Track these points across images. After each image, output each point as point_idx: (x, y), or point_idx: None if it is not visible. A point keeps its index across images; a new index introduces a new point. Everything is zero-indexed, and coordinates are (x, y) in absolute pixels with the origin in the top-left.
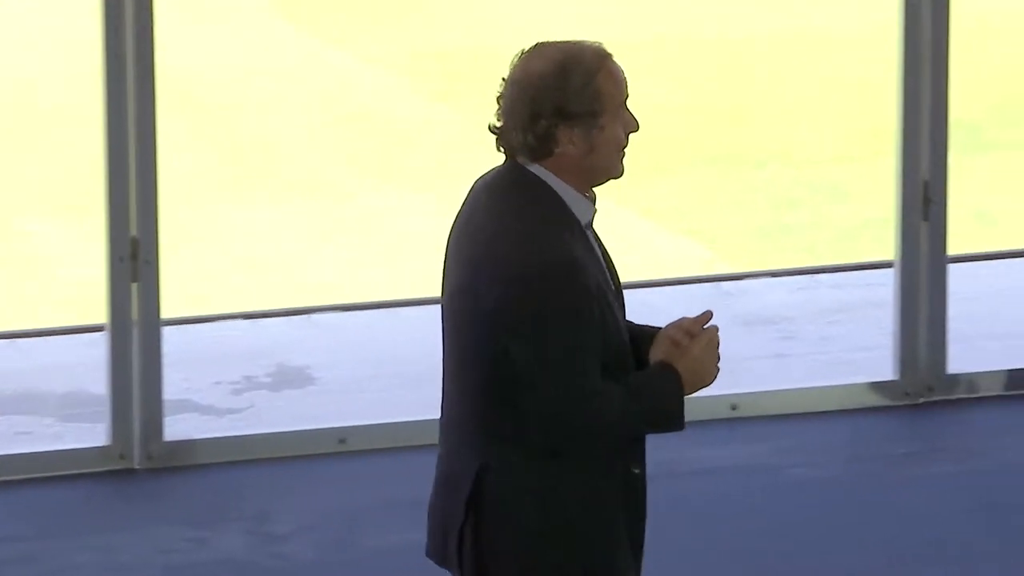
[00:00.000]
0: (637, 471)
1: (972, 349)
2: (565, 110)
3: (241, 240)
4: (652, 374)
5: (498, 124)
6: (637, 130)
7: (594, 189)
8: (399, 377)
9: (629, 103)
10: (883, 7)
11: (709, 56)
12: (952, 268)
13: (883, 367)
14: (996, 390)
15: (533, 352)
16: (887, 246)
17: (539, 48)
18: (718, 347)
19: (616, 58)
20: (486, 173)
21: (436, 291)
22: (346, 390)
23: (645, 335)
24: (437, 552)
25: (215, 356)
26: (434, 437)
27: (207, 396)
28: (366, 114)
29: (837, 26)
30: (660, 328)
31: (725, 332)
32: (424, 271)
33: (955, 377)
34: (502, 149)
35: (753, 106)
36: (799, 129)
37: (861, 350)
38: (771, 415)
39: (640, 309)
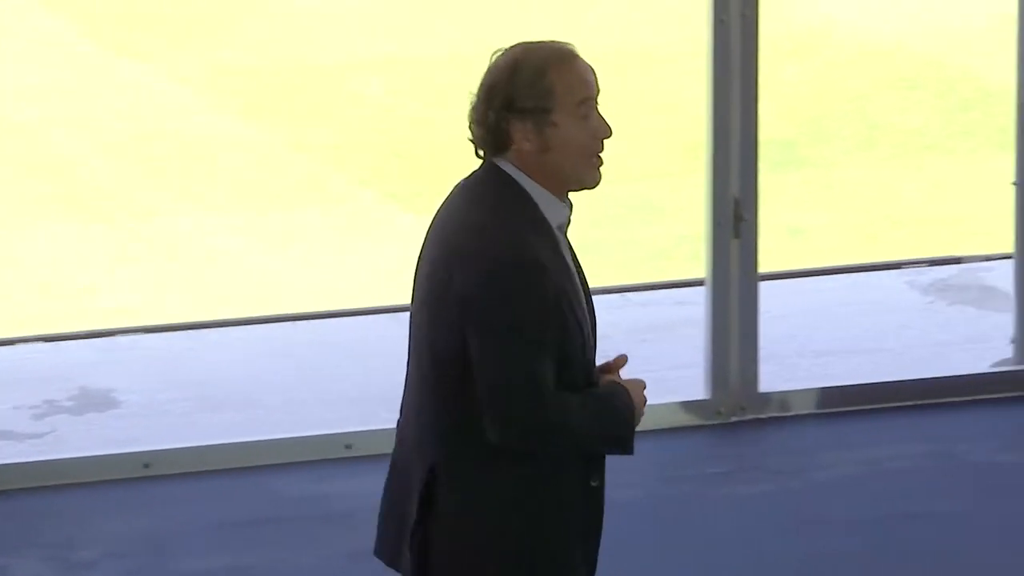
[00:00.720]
0: (596, 484)
1: (784, 367)
2: (514, 104)
3: (38, 261)
4: (606, 391)
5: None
6: (608, 136)
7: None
8: (203, 400)
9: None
10: (695, 23)
11: None
12: (764, 286)
13: (695, 386)
14: (808, 408)
15: (492, 346)
16: (700, 264)
17: (510, 47)
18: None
19: (582, 60)
20: (467, 175)
21: (239, 312)
22: (150, 413)
23: None
24: (387, 552)
25: (14, 380)
26: (234, 460)
27: (6, 421)
28: (167, 132)
29: (651, 42)
30: None
31: None
32: (226, 292)
33: (767, 395)
34: (479, 152)
35: None
36: (611, 146)
37: (673, 369)
38: None
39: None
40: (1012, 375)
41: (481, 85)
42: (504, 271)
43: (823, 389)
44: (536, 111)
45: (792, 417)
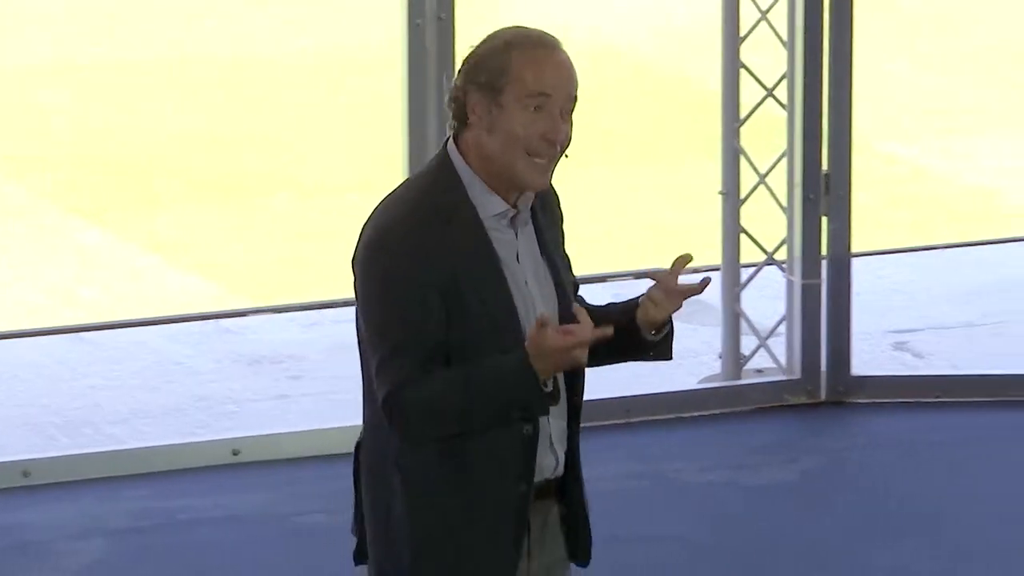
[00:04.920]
0: (524, 488)
1: None
2: (472, 75)
3: None
4: (492, 362)
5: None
6: (554, 138)
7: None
8: None
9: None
10: (391, 25)
11: (220, 77)
12: None
13: None
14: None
15: (366, 324)
16: None
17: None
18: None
19: (559, 57)
20: None
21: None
22: None
23: (632, 307)
24: (353, 527)
25: None
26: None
27: None
28: None
29: (354, 47)
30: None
31: (227, 373)
32: None
33: None
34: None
35: (264, 131)
36: (313, 155)
37: None
38: (276, 460)
39: (138, 351)
40: (721, 391)
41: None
42: (371, 250)
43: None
44: (486, 87)
45: None
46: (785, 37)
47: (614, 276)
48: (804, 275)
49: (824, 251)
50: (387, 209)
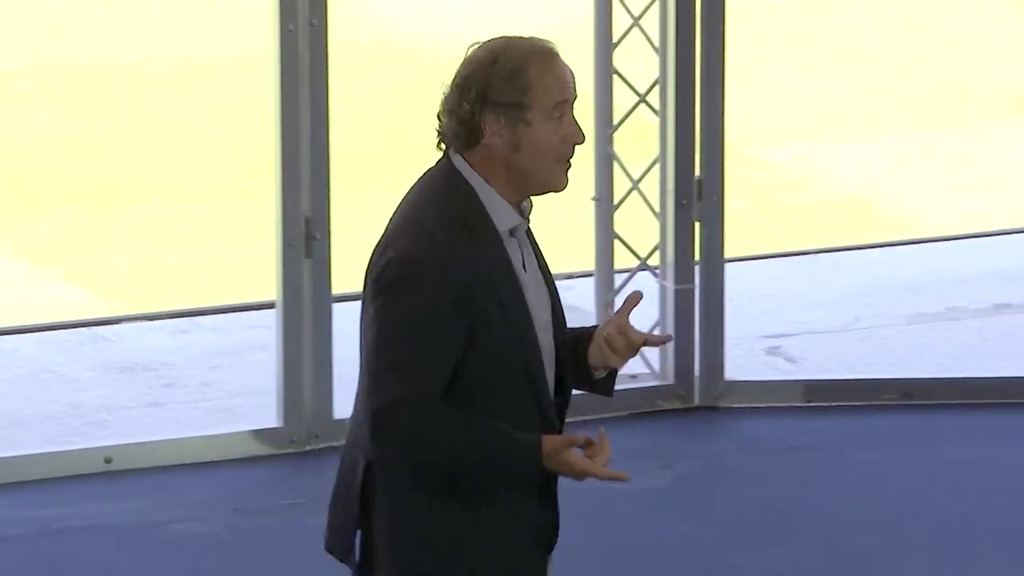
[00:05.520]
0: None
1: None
2: (490, 96)
3: None
4: (506, 429)
5: (439, 117)
6: (581, 142)
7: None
8: None
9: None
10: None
11: (86, 84)
12: (339, 307)
13: (268, 414)
14: None
15: (379, 337)
16: (272, 286)
17: (489, 39)
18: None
19: (562, 60)
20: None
21: None
22: None
23: (584, 337)
24: (338, 547)
25: None
26: None
27: None
28: None
29: (228, 51)
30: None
31: (101, 380)
32: None
33: (342, 423)
34: (440, 145)
35: (134, 138)
36: (184, 162)
37: (244, 396)
38: (149, 467)
39: (11, 359)
40: (594, 396)
41: (456, 76)
42: (403, 268)
43: None
44: (511, 106)
45: None
46: (657, 43)
47: None
48: (677, 280)
49: (697, 256)
50: (411, 226)
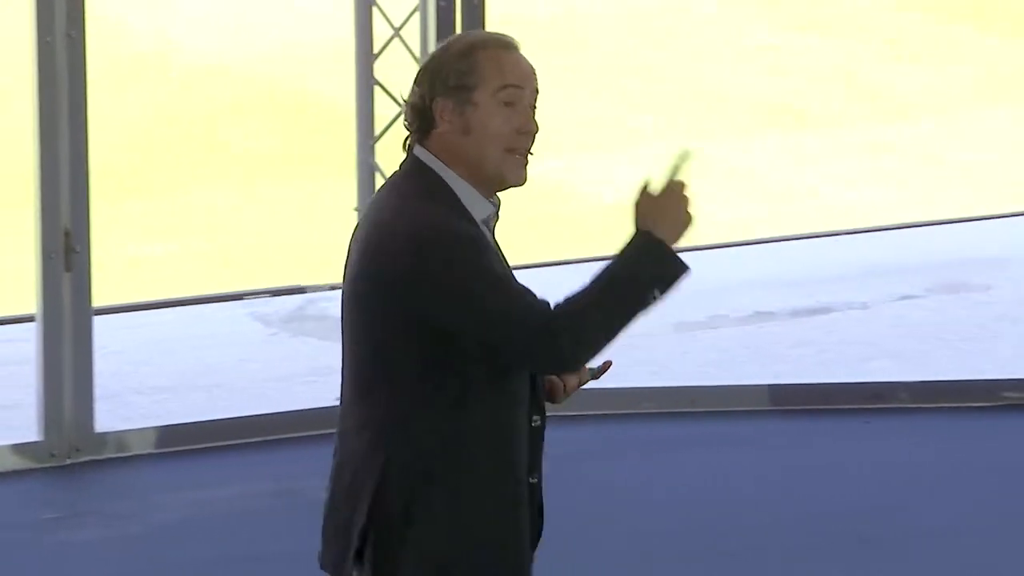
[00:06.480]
0: (535, 480)
1: (122, 405)
2: (439, 81)
3: None
4: (619, 254)
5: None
6: (533, 131)
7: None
8: None
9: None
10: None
11: None
12: (100, 320)
13: (27, 428)
14: (147, 448)
15: (467, 308)
16: (31, 299)
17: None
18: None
19: (521, 54)
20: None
21: None
22: None
23: None
24: (334, 563)
25: None
26: None
27: None
28: None
29: None
30: None
31: None
32: None
33: (104, 436)
34: (405, 144)
35: None
36: None
37: (3, 410)
38: None
39: None
40: None
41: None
42: (430, 243)
43: (162, 428)
44: (458, 88)
45: (131, 458)
46: (419, 53)
47: (249, 294)
48: None
49: None
50: (411, 214)
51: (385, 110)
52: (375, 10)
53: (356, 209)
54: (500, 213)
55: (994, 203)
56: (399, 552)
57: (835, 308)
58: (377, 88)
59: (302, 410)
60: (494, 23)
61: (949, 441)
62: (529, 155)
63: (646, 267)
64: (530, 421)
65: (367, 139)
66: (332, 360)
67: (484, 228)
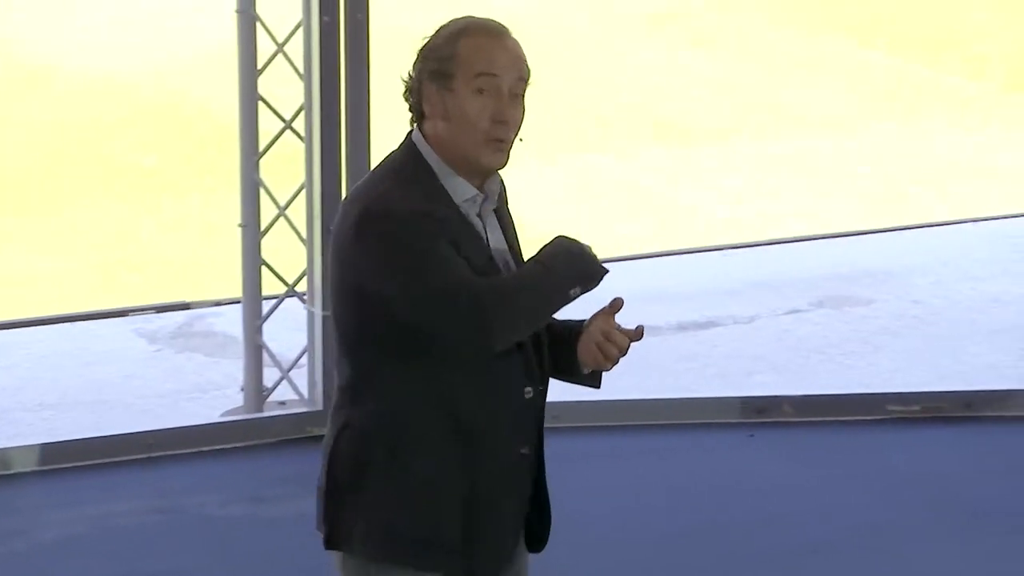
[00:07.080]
0: (526, 451)
1: (6, 422)
2: (425, 66)
3: None
4: (544, 250)
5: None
6: (503, 120)
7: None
8: None
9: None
10: None
11: None
12: None
13: None
14: (31, 465)
15: (400, 284)
16: None
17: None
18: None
19: (508, 41)
20: None
21: None
22: None
23: (573, 333)
24: (317, 524)
25: None
26: None
27: None
28: None
29: None
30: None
31: None
32: None
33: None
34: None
35: None
36: None
37: None
38: None
39: None
40: (242, 424)
41: None
42: (373, 219)
43: (46, 445)
44: (440, 74)
45: (14, 475)
46: (302, 69)
47: (134, 310)
48: (325, 306)
49: None
50: (371, 188)
51: (269, 125)
52: (259, 25)
53: (240, 225)
54: (505, 194)
55: (877, 217)
56: (349, 514)
57: (721, 322)
58: (261, 103)
59: (187, 426)
60: (378, 38)
61: (833, 454)
62: (515, 141)
63: (571, 264)
64: (522, 392)
65: (251, 154)
66: (217, 376)
67: (467, 210)
